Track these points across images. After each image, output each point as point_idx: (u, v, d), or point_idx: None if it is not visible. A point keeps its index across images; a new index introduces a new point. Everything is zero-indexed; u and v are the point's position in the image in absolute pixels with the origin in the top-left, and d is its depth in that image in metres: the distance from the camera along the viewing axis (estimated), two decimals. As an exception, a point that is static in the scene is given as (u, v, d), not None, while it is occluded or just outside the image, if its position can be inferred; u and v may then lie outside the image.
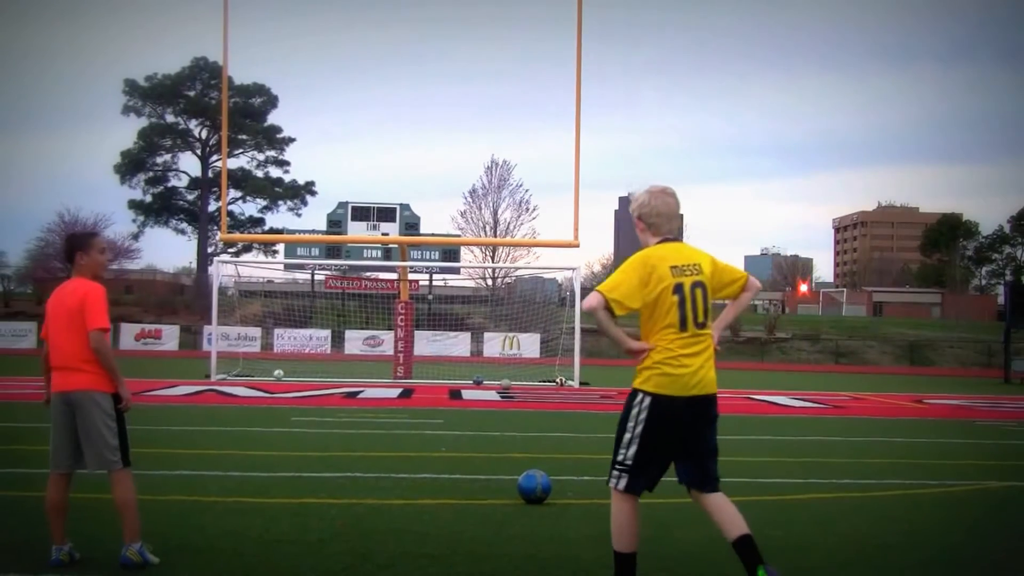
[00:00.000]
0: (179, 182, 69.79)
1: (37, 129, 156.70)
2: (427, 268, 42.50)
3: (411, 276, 35.04)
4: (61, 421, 5.55)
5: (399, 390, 20.98)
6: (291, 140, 70.46)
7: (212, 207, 67.11)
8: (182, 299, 62.70)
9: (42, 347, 5.86)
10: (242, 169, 68.10)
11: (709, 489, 4.94)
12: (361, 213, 31.55)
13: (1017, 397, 26.35)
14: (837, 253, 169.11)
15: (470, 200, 65.95)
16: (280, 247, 47.45)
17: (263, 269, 43.39)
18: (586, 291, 20.70)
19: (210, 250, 65.80)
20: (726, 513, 4.88)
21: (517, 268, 63.58)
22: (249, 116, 67.28)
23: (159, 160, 68.62)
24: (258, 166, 69.86)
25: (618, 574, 4.85)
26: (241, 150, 68.44)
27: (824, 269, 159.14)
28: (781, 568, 5.82)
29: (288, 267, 42.65)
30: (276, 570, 5.49)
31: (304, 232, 42.23)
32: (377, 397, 18.85)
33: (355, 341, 41.00)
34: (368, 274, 45.81)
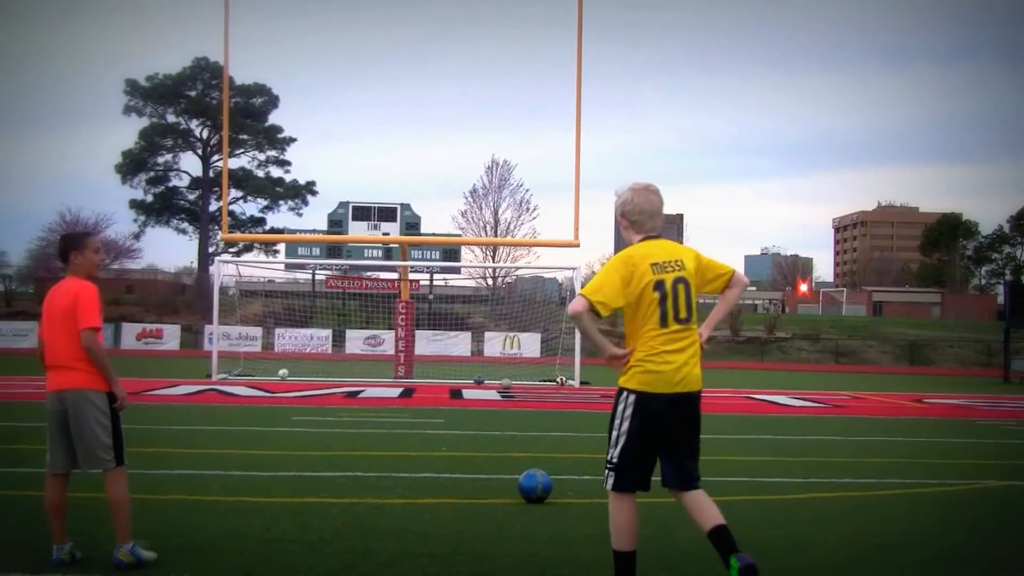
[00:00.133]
0: (180, 182, 69.89)
1: (38, 129, 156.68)
2: (428, 268, 42.50)
3: (412, 276, 35.07)
4: (56, 421, 5.56)
5: (400, 389, 20.99)
6: (292, 140, 70.54)
7: (213, 207, 67.14)
8: (183, 299, 62.62)
9: (39, 346, 5.86)
10: (243, 169, 68.16)
11: (690, 487, 4.98)
12: (362, 213, 31.57)
13: (1017, 396, 26.34)
14: (837, 253, 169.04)
15: (471, 200, 66.04)
16: (281, 247, 47.46)
17: (264, 269, 43.42)
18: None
19: (211, 250, 65.83)
20: (703, 506, 4.96)
21: (518, 268, 63.59)
22: (250, 116, 67.32)
23: (160, 160, 68.67)
24: (259, 166, 69.95)
25: (618, 573, 4.86)
26: (242, 150, 68.49)
27: (824, 269, 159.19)
28: (781, 567, 5.85)
29: (289, 267, 42.66)
30: (277, 569, 5.50)
31: (305, 232, 42.24)
32: (378, 397, 18.86)
33: (356, 341, 41.00)
34: (369, 274, 45.83)
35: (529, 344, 39.60)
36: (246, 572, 5.44)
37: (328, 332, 40.69)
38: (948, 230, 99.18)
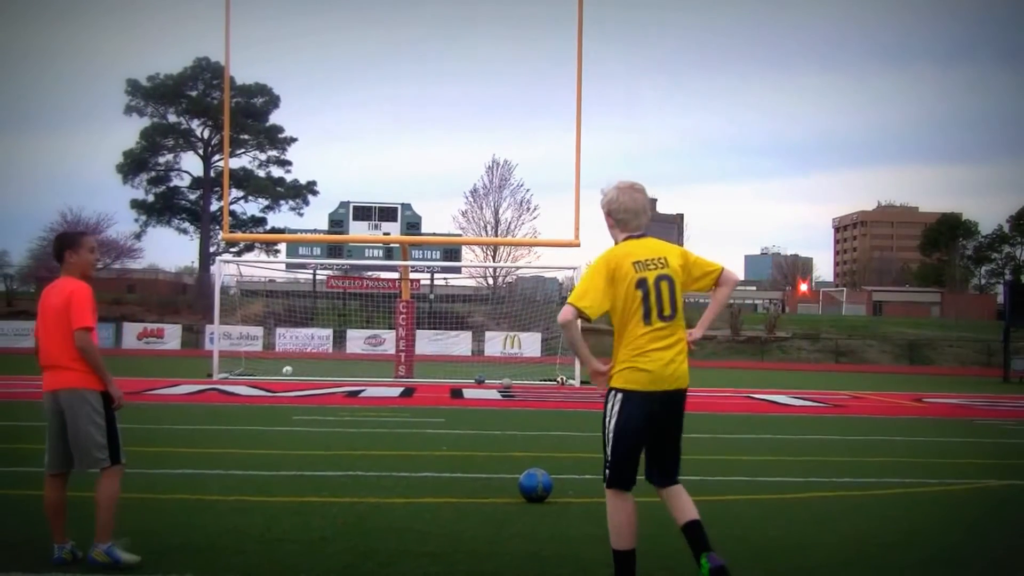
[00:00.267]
0: (181, 182, 69.86)
1: (39, 129, 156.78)
2: (428, 267, 42.59)
3: (412, 275, 35.11)
4: (52, 421, 5.56)
5: (400, 389, 20.99)
6: (293, 140, 70.52)
7: (214, 207, 67.12)
8: (184, 298, 62.73)
9: (35, 345, 5.86)
10: (244, 169, 68.14)
11: (671, 483, 5.02)
12: (363, 213, 31.64)
13: (1016, 396, 26.34)
14: (837, 252, 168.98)
15: (471, 200, 66.03)
16: (282, 247, 47.54)
17: (265, 269, 43.40)
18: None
19: (212, 249, 65.80)
20: (681, 501, 5.00)
21: (518, 267, 63.61)
22: (251, 116, 67.32)
23: (161, 160, 68.65)
24: (260, 166, 69.91)
25: (618, 572, 4.88)
26: (243, 150, 68.48)
27: (824, 268, 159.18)
28: (781, 567, 5.86)
29: (290, 266, 42.78)
30: (278, 568, 5.51)
31: (306, 232, 42.38)
32: (378, 396, 18.86)
33: (356, 340, 41.00)
34: (369, 273, 45.88)
35: (529, 344, 39.63)
36: (247, 571, 5.45)
37: (329, 332, 40.71)
38: (948, 230, 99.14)
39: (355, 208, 31.78)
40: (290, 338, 39.74)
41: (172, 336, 43.27)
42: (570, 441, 12.27)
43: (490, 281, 64.94)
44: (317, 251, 35.58)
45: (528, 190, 66.98)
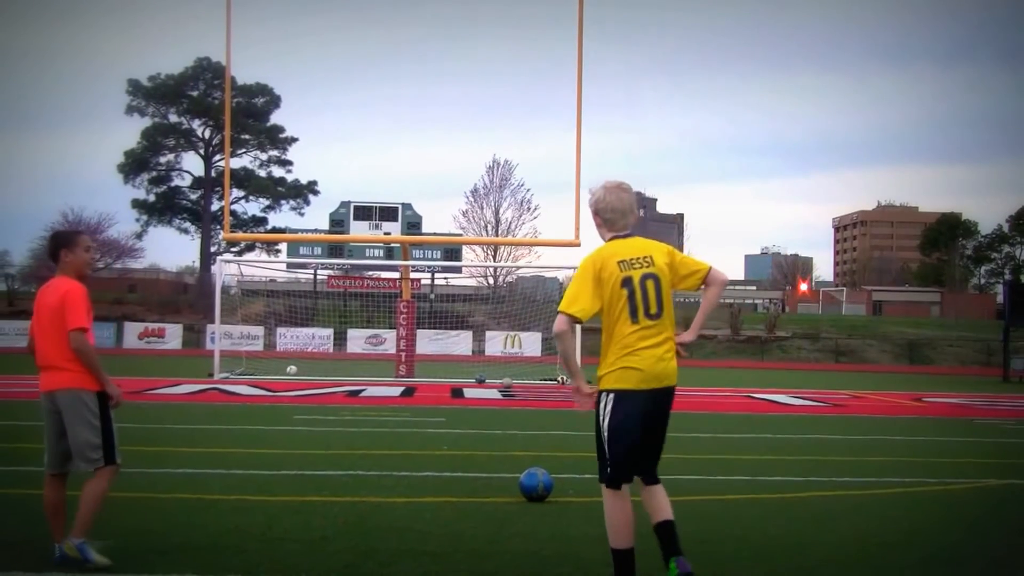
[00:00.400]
0: (182, 182, 69.95)
1: (41, 128, 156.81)
2: (429, 267, 42.57)
3: (413, 275, 35.08)
4: (49, 421, 5.56)
5: (401, 388, 21.00)
6: (294, 140, 70.60)
7: (215, 206, 67.20)
8: (185, 298, 62.73)
9: (28, 344, 5.84)
10: (245, 169, 68.21)
11: (653, 481, 5.04)
12: (363, 212, 31.61)
13: (1016, 395, 26.36)
14: (837, 252, 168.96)
15: (472, 199, 66.06)
16: (283, 246, 47.45)
17: (266, 268, 43.33)
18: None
19: (213, 249, 65.84)
20: (657, 500, 5.02)
21: (518, 267, 63.59)
22: (252, 116, 67.38)
23: (162, 160, 68.73)
24: (261, 166, 69.99)
25: (618, 571, 4.89)
26: (244, 150, 68.54)
27: (824, 268, 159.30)
28: (781, 566, 5.88)
29: (291, 266, 42.73)
30: (279, 567, 5.52)
31: (307, 231, 42.32)
32: (379, 396, 18.87)
33: (357, 340, 41.00)
34: (370, 273, 45.86)
35: (530, 343, 39.62)
36: (248, 570, 5.45)
37: (330, 331, 40.70)
38: (948, 230, 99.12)
39: (356, 208, 31.75)
40: (291, 338, 39.74)
41: (173, 336, 43.27)
42: (570, 440, 12.27)
43: (491, 281, 64.98)
44: (318, 251, 35.52)
45: (528, 190, 67.11)
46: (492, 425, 13.98)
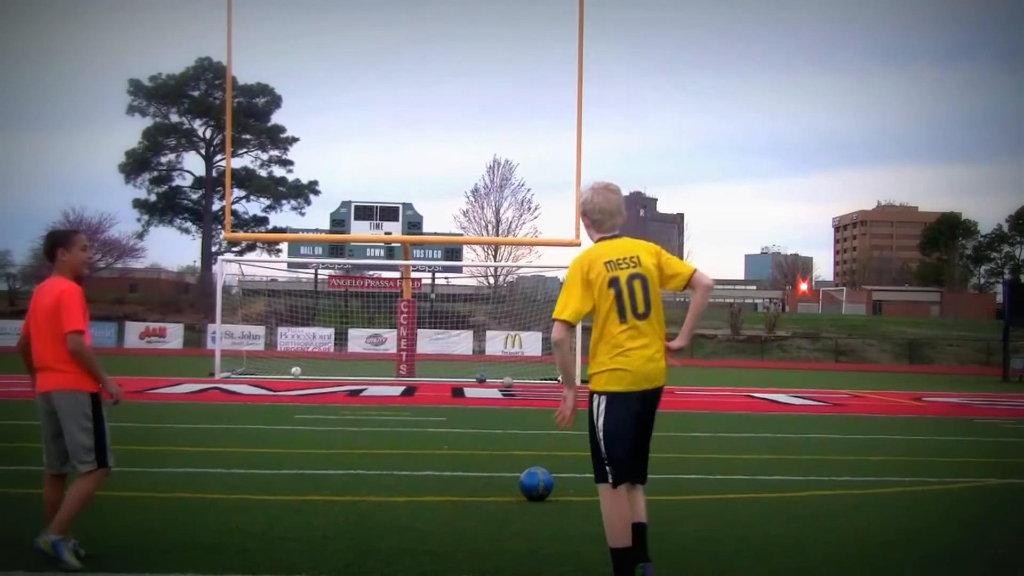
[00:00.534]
0: (183, 181, 69.97)
1: (42, 128, 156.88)
2: (430, 267, 42.57)
3: (414, 275, 35.08)
4: (46, 422, 5.57)
5: (402, 388, 21.02)
6: (294, 140, 70.62)
7: (216, 206, 67.22)
8: (186, 298, 62.76)
9: (18, 343, 5.84)
10: (246, 168, 68.23)
11: (636, 480, 5.09)
12: (364, 212, 31.64)
13: (1015, 395, 26.37)
14: (837, 252, 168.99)
15: (472, 199, 66.09)
16: (284, 246, 47.45)
17: (267, 268, 43.36)
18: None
19: (214, 249, 65.87)
20: (636, 502, 5.06)
21: (519, 267, 63.60)
22: (253, 116, 67.38)
23: (163, 160, 68.75)
24: (262, 165, 70.01)
25: (617, 570, 4.90)
26: (245, 150, 68.56)
27: (824, 268, 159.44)
28: (781, 566, 5.89)
29: (291, 266, 42.72)
30: (280, 566, 5.53)
31: (307, 231, 42.35)
32: (380, 395, 18.89)
33: (358, 339, 41.02)
34: (371, 273, 45.87)
35: (530, 343, 39.62)
36: (249, 569, 5.47)
37: (330, 331, 40.73)
38: (947, 229, 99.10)
39: (356, 208, 31.78)
40: (292, 337, 39.76)
41: (174, 335, 43.30)
42: (571, 440, 12.27)
43: (491, 280, 64.98)
44: (319, 250, 35.52)
45: (529, 190, 67.22)
46: (493, 424, 13.99)
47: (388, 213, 31.99)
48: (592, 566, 5.65)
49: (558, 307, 5.01)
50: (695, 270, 5.16)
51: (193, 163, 69.54)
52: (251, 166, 69.22)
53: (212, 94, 67.18)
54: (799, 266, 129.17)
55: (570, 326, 4.96)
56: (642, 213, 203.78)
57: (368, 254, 36.53)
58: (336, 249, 35.23)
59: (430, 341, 38.87)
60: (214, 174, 67.54)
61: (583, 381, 5.14)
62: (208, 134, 68.59)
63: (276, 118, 69.46)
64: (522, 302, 46.59)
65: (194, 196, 69.83)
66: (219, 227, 65.80)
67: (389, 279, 42.86)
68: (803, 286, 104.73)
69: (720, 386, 24.73)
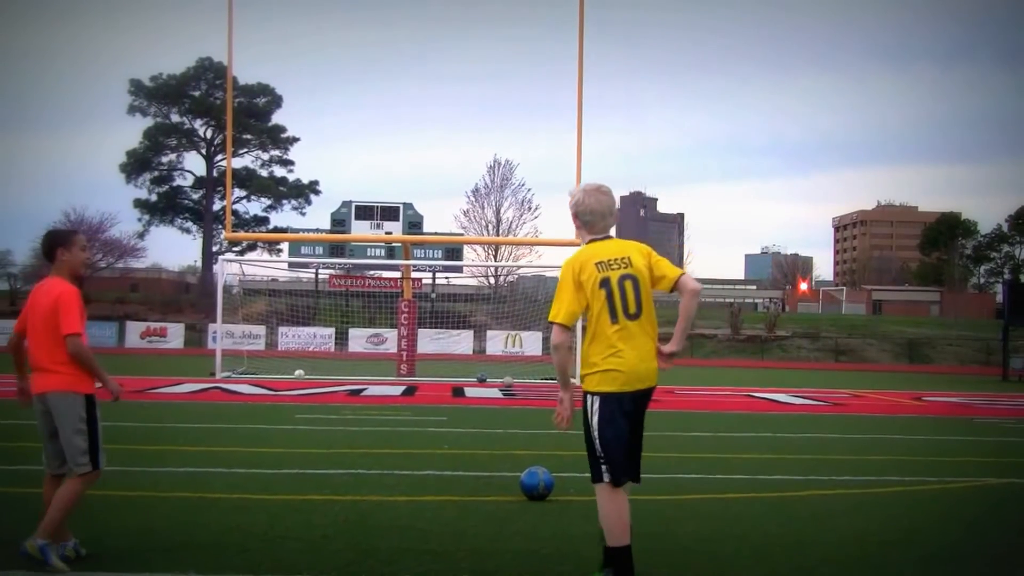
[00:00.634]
0: (184, 181, 70.11)
1: (43, 128, 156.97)
2: (430, 267, 42.58)
3: (414, 274, 35.08)
4: (42, 422, 5.56)
5: (402, 388, 21.03)
6: (295, 140, 70.73)
7: (217, 206, 67.32)
8: (187, 297, 62.83)
9: (9, 342, 5.83)
10: (247, 168, 68.32)
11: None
12: (365, 212, 31.65)
13: (1015, 394, 26.36)
14: (837, 252, 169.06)
15: (473, 199, 66.17)
16: (284, 246, 47.45)
17: (267, 268, 43.43)
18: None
19: (215, 249, 65.97)
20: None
21: (519, 267, 63.65)
22: (253, 116, 67.47)
23: (164, 159, 68.88)
24: (262, 165, 70.12)
25: (617, 569, 4.91)
26: (246, 150, 68.64)
27: (824, 267, 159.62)
28: (781, 565, 5.90)
29: (292, 266, 42.68)
30: (280, 566, 5.54)
31: (308, 231, 42.36)
32: (380, 395, 18.90)
33: (359, 339, 41.04)
34: (371, 272, 45.86)
35: (531, 342, 39.63)
36: (250, 569, 5.47)
37: (331, 330, 40.76)
38: (947, 229, 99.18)
39: (357, 207, 31.78)
40: (292, 337, 39.76)
41: (175, 335, 43.32)
42: (571, 439, 12.25)
43: (492, 280, 65.01)
44: (319, 250, 35.51)
45: (529, 190, 67.35)
46: (493, 424, 14.00)
47: (389, 213, 32.00)
48: (592, 565, 5.65)
49: (553, 310, 5.06)
50: (682, 273, 5.18)
51: (194, 163, 69.75)
52: (252, 166, 69.42)
53: (213, 94, 67.26)
54: (799, 266, 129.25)
55: (568, 328, 5.01)
56: (642, 213, 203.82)
57: (369, 254, 36.53)
58: (337, 249, 35.21)
59: (431, 341, 38.88)
60: (215, 174, 67.61)
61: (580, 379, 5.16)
62: (209, 134, 68.68)
63: (277, 118, 69.68)
64: (522, 302, 46.60)
65: (195, 196, 69.94)
66: (220, 227, 65.88)
67: (390, 279, 42.85)
68: (803, 286, 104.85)
69: (720, 386, 24.74)
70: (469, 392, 20.39)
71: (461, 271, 53.50)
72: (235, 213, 65.19)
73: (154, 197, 68.21)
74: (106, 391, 5.66)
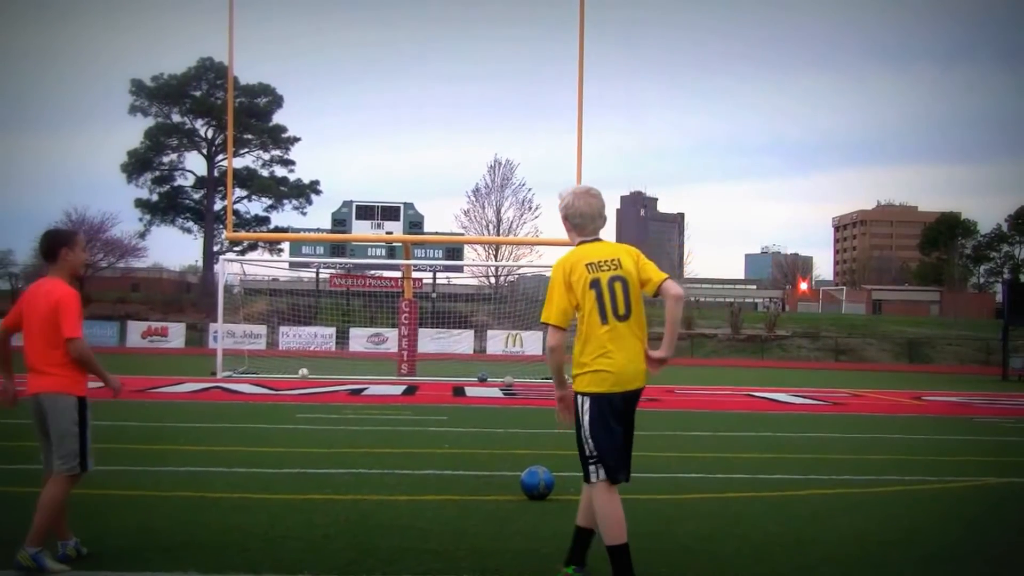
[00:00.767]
0: (185, 181, 70.14)
1: (44, 128, 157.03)
2: (431, 266, 42.59)
3: (415, 274, 35.08)
4: (37, 423, 5.58)
5: (403, 387, 21.03)
6: (296, 139, 70.74)
7: (218, 206, 67.34)
8: (188, 297, 62.89)
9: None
10: (247, 168, 68.34)
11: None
12: (365, 212, 31.65)
13: (1015, 394, 26.37)
14: (837, 251, 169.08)
15: (473, 199, 66.19)
16: (285, 245, 47.50)
17: (268, 267, 43.48)
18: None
19: (216, 248, 66.00)
20: (590, 504, 5.15)
21: (520, 266, 63.66)
22: (254, 116, 67.50)
23: (165, 159, 68.91)
24: (263, 165, 70.13)
25: (617, 567, 4.92)
26: (246, 149, 68.66)
27: (824, 267, 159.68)
28: (781, 564, 5.91)
29: (293, 265, 42.69)
30: (281, 565, 5.55)
31: (309, 231, 42.29)
32: (381, 394, 18.91)
33: (359, 339, 41.06)
34: (372, 272, 45.88)
35: (531, 342, 39.66)
36: (250, 568, 5.48)
37: (332, 330, 40.80)
38: (947, 229, 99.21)
39: (358, 207, 31.78)
40: (293, 336, 39.78)
41: (176, 334, 43.33)
42: (571, 439, 12.28)
43: (492, 280, 65.03)
44: (320, 250, 35.50)
45: (530, 189, 67.40)
46: (493, 423, 14.00)
47: (389, 213, 32.00)
48: (593, 564, 5.67)
49: (544, 311, 5.11)
50: (666, 277, 5.21)
51: (195, 163, 69.79)
52: (253, 166, 69.44)
53: (214, 94, 67.28)
54: (799, 265, 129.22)
55: (563, 329, 5.05)
56: (642, 213, 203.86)
57: (369, 253, 36.52)
58: (337, 248, 35.20)
59: (431, 340, 38.89)
60: (216, 174, 67.62)
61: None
62: (210, 134, 68.69)
63: (278, 118, 69.71)
64: (523, 302, 46.59)
65: (196, 196, 69.98)
66: (221, 227, 65.88)
67: (390, 278, 42.89)
68: (803, 285, 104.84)
69: (720, 385, 24.75)
70: (470, 392, 20.40)
71: (462, 271, 53.50)
72: (236, 213, 65.22)
73: (155, 197, 68.26)
74: (108, 389, 5.68)
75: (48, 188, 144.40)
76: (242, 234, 58.80)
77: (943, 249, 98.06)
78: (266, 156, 69.99)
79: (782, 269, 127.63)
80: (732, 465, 10.06)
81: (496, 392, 20.54)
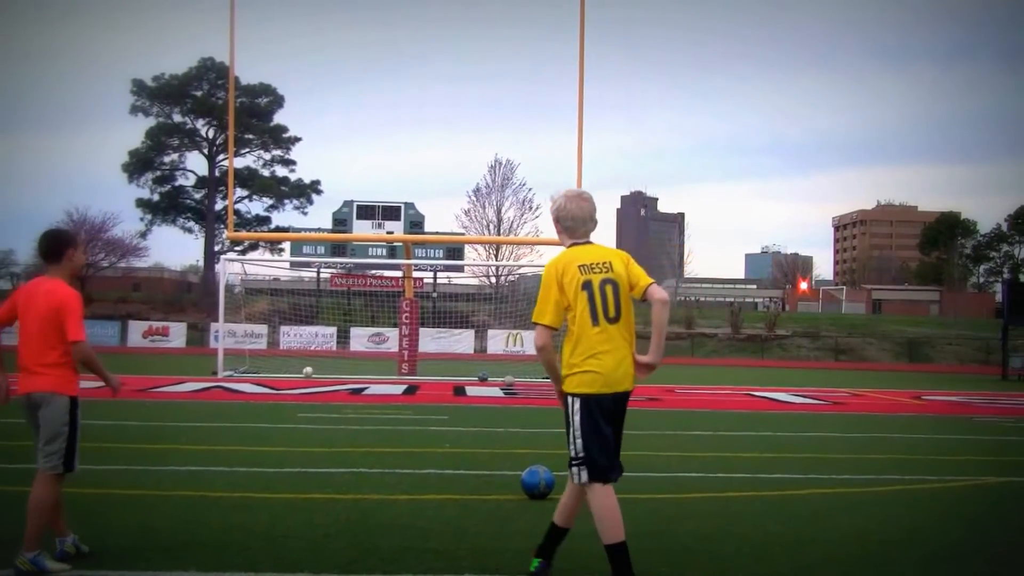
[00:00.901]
0: (186, 181, 70.13)
1: (45, 128, 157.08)
2: (431, 266, 42.64)
3: (416, 274, 35.13)
4: (30, 421, 5.58)
5: (404, 386, 21.04)
6: (297, 139, 70.74)
7: (219, 206, 67.33)
8: (189, 297, 62.92)
9: None
10: (248, 168, 68.34)
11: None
12: (366, 212, 31.71)
13: (1015, 393, 26.38)
14: (837, 251, 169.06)
15: (474, 199, 66.17)
16: (286, 245, 47.57)
17: (269, 267, 43.48)
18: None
19: (217, 248, 65.96)
20: (575, 507, 5.26)
21: (520, 266, 63.63)
22: (255, 116, 67.49)
23: (166, 159, 68.91)
24: (264, 165, 70.13)
25: (616, 566, 4.93)
26: (247, 149, 68.68)
27: (824, 267, 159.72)
28: (781, 564, 5.92)
29: (294, 265, 42.78)
30: (282, 564, 5.55)
31: (310, 230, 42.41)
32: (382, 394, 18.91)
33: (360, 338, 41.07)
34: (373, 272, 45.93)
35: (532, 342, 39.47)
36: (251, 567, 5.49)
37: (333, 330, 40.80)
38: (947, 229, 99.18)
39: (359, 207, 31.85)
40: (294, 336, 39.80)
41: (177, 334, 43.36)
42: (572, 439, 12.30)
43: (493, 280, 65.03)
44: (321, 250, 35.56)
45: (530, 189, 67.22)
46: (494, 423, 14.01)
47: (390, 212, 32.07)
48: (593, 563, 5.68)
49: (537, 311, 5.13)
50: (652, 282, 5.24)
51: (196, 163, 69.80)
52: (254, 166, 69.43)
53: (215, 94, 67.29)
54: (799, 265, 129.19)
55: (552, 329, 5.08)
56: (642, 212, 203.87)
57: (370, 253, 36.60)
58: (338, 248, 35.25)
59: (432, 340, 38.91)
60: (217, 174, 67.63)
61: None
62: (211, 134, 68.69)
63: (278, 118, 69.70)
64: (523, 301, 46.56)
65: (197, 195, 69.98)
66: (222, 226, 65.81)
67: (391, 278, 42.94)
68: (803, 285, 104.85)
69: (720, 385, 24.76)
70: (470, 391, 20.41)
71: (462, 270, 53.55)
72: (237, 213, 65.22)
73: (156, 197, 68.25)
74: (108, 390, 5.70)
75: (48, 188, 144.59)
76: (243, 234, 58.70)
77: (943, 249, 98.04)
78: (267, 156, 70.04)
79: (782, 269, 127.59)
80: (732, 464, 10.07)
81: (497, 391, 20.55)
